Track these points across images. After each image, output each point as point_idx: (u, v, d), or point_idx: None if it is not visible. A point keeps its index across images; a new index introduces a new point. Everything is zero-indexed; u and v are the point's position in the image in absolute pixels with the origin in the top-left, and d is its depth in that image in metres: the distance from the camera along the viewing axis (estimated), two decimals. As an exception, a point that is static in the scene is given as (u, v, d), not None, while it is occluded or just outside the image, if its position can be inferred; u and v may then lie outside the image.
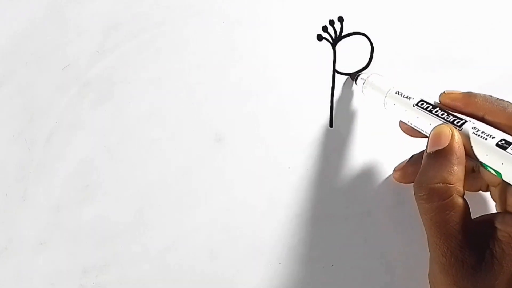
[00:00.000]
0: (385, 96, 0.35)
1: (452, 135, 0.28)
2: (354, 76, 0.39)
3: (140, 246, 0.39)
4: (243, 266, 0.39)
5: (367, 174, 0.40)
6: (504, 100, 0.29)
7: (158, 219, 0.40)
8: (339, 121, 0.40)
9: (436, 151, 0.28)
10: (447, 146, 0.28)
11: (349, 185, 0.40)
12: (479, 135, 0.28)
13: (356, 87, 0.39)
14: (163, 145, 0.40)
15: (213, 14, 0.41)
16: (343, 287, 0.37)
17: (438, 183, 0.28)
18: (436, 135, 0.29)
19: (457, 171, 0.28)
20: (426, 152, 0.30)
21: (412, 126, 0.33)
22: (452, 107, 0.31)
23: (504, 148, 0.26)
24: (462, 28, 0.41)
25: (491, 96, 0.30)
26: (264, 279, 0.39)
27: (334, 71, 0.40)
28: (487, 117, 0.29)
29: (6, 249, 0.40)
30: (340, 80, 0.40)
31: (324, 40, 0.41)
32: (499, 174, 0.27)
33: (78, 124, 0.40)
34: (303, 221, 0.39)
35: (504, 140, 0.27)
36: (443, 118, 0.30)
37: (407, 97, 0.33)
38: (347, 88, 0.40)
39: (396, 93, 0.34)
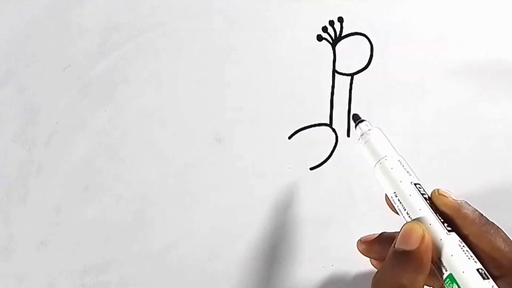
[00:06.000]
0: (382, 158, 0.31)
1: (423, 238, 0.26)
2: (356, 118, 0.35)
3: (140, 246, 0.40)
4: (243, 266, 0.39)
5: (367, 173, 0.40)
6: (492, 224, 0.27)
7: (158, 219, 0.40)
8: (339, 120, 0.40)
9: (403, 251, 0.26)
10: (414, 249, 0.26)
11: (349, 185, 0.40)
12: (464, 251, 0.26)
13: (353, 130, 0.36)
14: (163, 145, 0.40)
15: (213, 14, 0.41)
16: (343, 287, 0.37)
17: None
18: (406, 232, 0.27)
19: (418, 280, 0.26)
20: (394, 246, 0.27)
21: (396, 201, 0.30)
22: (437, 210, 0.28)
23: (483, 277, 0.25)
24: (462, 28, 0.41)
25: (480, 215, 0.28)
26: (264, 279, 0.39)
27: (334, 71, 0.40)
28: (471, 238, 0.27)
29: (6, 249, 0.40)
30: (340, 80, 0.40)
31: (324, 40, 0.41)
32: None
33: (78, 124, 0.40)
34: (303, 221, 0.39)
35: (483, 270, 0.25)
36: (436, 214, 0.28)
37: (407, 172, 0.30)
38: (346, 88, 0.40)
39: (398, 160, 0.31)
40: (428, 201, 0.29)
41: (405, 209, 0.29)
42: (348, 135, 0.40)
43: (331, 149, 0.40)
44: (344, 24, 0.40)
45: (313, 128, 0.40)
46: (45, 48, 0.41)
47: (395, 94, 0.40)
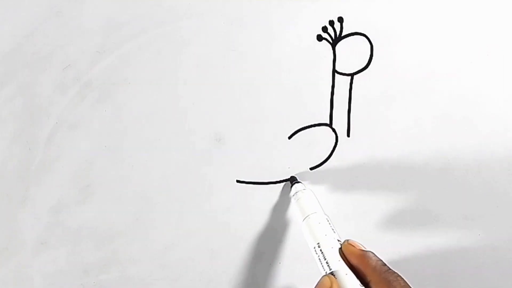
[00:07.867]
0: (312, 213, 0.35)
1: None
2: (293, 179, 0.39)
3: (140, 246, 0.40)
4: (243, 266, 0.39)
5: (366, 173, 0.40)
6: (392, 272, 0.29)
7: (158, 219, 0.40)
8: (339, 120, 0.40)
9: None
10: None
11: (349, 184, 0.40)
12: None
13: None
14: (163, 145, 0.40)
15: (213, 14, 0.41)
16: (343, 287, 0.37)
17: None
18: (318, 285, 0.30)
19: None
20: None
21: (318, 251, 0.33)
22: (348, 261, 0.31)
23: None
24: (462, 28, 0.41)
25: (383, 264, 0.30)
26: (264, 279, 0.39)
27: (334, 71, 0.40)
28: (372, 285, 0.29)
29: (6, 249, 0.40)
30: (340, 80, 0.40)
31: (324, 40, 0.41)
32: None
33: (78, 124, 0.40)
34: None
35: None
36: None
37: (332, 229, 0.34)
38: (346, 88, 0.40)
39: (326, 219, 0.35)
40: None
41: (325, 259, 0.32)
42: (348, 135, 0.40)
43: (331, 149, 0.40)
44: (344, 24, 0.40)
45: (313, 128, 0.40)
46: (45, 48, 0.41)
47: (395, 94, 0.40)
